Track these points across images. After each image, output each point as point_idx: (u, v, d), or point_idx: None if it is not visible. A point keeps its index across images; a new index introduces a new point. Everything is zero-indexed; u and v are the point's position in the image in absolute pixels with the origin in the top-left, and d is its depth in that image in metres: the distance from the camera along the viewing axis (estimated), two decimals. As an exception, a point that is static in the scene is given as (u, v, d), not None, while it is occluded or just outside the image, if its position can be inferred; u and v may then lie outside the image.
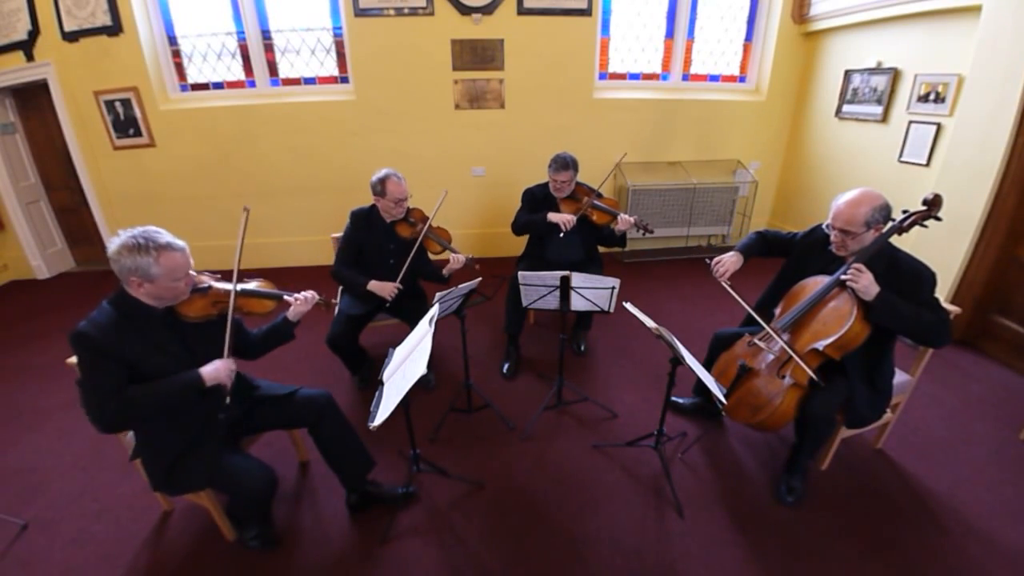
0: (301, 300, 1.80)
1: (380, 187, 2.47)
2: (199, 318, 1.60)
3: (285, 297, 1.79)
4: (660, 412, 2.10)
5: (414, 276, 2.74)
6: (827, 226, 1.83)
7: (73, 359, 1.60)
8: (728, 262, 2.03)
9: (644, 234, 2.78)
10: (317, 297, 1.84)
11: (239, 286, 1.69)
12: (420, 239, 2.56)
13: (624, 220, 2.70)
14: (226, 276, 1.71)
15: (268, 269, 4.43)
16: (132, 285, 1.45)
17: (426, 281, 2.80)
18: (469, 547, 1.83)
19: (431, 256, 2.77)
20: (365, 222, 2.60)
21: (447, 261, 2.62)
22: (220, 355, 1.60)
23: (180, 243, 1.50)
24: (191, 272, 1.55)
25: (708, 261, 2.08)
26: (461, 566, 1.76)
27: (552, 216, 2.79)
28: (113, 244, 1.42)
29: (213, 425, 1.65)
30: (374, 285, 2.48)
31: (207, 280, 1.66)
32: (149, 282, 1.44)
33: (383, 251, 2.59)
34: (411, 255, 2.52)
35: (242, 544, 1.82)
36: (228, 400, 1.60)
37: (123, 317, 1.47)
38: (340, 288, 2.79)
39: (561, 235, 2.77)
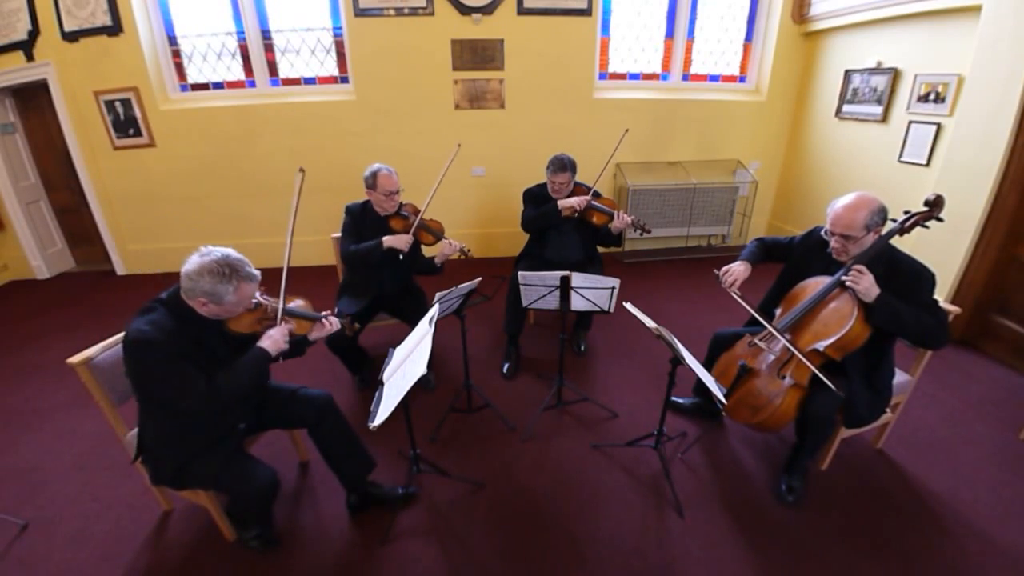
0: (327, 325, 1.82)
1: (372, 180, 2.50)
2: (245, 332, 1.64)
3: (322, 319, 1.81)
4: (660, 412, 2.10)
5: (410, 272, 2.74)
6: (826, 232, 1.83)
7: (77, 358, 1.62)
8: (736, 271, 2.01)
9: (642, 234, 2.77)
10: (339, 323, 1.87)
11: (287, 305, 1.73)
12: (413, 230, 2.57)
13: (621, 219, 2.69)
14: (270, 287, 1.74)
15: (269, 269, 4.39)
16: (196, 303, 1.49)
17: (421, 275, 2.79)
18: (469, 547, 1.83)
19: (425, 248, 2.76)
20: (360, 216, 2.61)
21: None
22: None
23: (256, 273, 1.56)
24: (254, 302, 1.61)
25: (717, 272, 2.04)
26: (461, 566, 1.76)
27: (562, 202, 2.78)
28: (193, 263, 1.45)
29: (233, 429, 1.68)
30: (389, 240, 2.48)
31: (256, 296, 1.68)
32: (216, 305, 1.49)
33: None
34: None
35: (242, 544, 1.82)
36: (280, 359, 1.66)
37: (180, 322, 1.50)
38: (337, 293, 2.79)
39: (575, 215, 2.76)
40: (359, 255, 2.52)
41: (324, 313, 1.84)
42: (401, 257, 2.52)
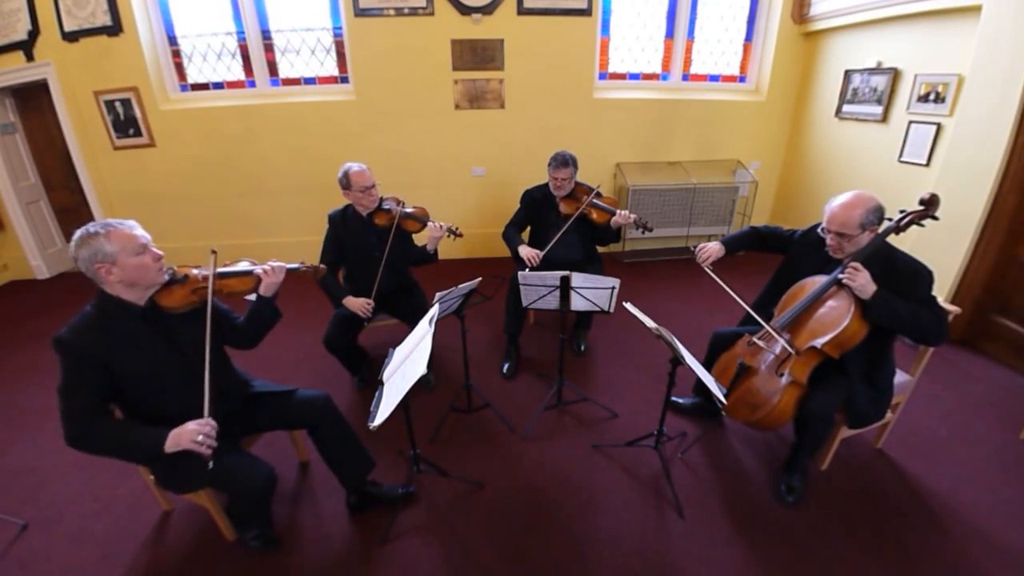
0: (268, 271, 1.73)
1: (345, 180, 2.50)
2: (182, 307, 1.58)
3: (255, 271, 1.73)
4: (660, 412, 2.10)
5: (405, 264, 2.73)
6: (822, 229, 1.84)
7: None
8: (711, 249, 2.15)
9: (644, 232, 2.78)
10: (286, 267, 1.78)
11: (220, 268, 1.67)
12: (397, 220, 2.56)
13: (623, 215, 2.70)
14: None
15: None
16: (102, 275, 1.44)
17: (417, 266, 2.78)
18: (469, 547, 1.83)
19: (415, 238, 2.76)
20: (341, 221, 2.61)
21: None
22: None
23: (128, 221, 1.49)
24: (158, 251, 1.51)
25: (692, 248, 2.19)
26: (461, 566, 1.76)
27: (521, 251, 2.83)
28: (71, 245, 1.43)
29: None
30: (348, 301, 2.50)
31: (188, 269, 1.64)
32: (113, 264, 1.43)
33: (366, 245, 2.60)
34: (390, 238, 2.54)
35: (242, 544, 1.82)
36: (211, 465, 1.48)
37: (102, 317, 1.47)
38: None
39: (527, 270, 2.74)
40: (326, 290, 2.56)
41: (267, 263, 1.74)
42: (365, 323, 2.55)
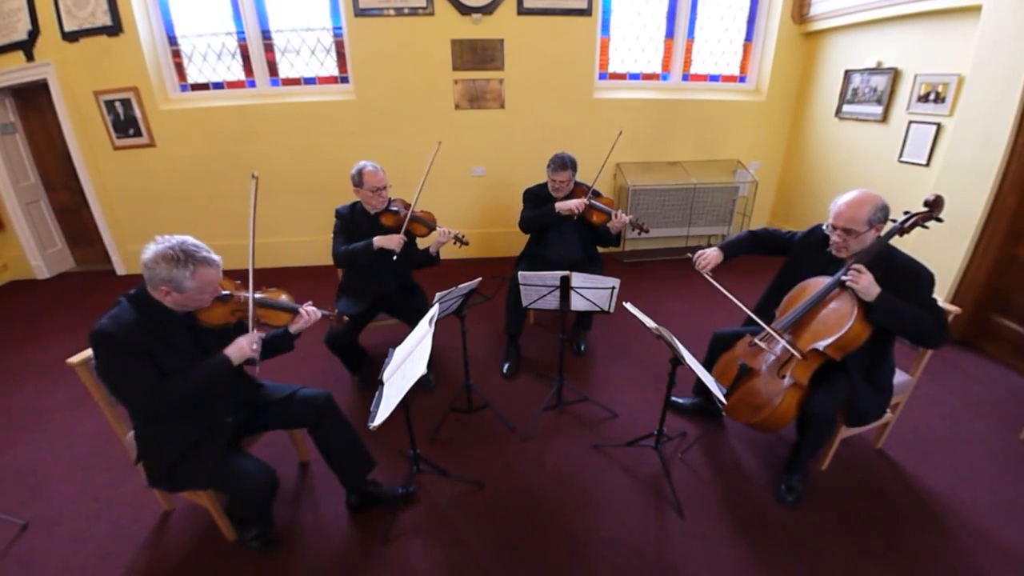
0: (306, 316, 1.78)
1: (358, 178, 2.50)
2: (219, 324, 1.62)
3: (299, 310, 1.78)
4: (660, 412, 2.10)
5: (408, 268, 2.74)
6: (828, 227, 1.83)
7: (77, 358, 1.62)
8: (709, 255, 2.12)
9: (640, 233, 2.77)
10: (320, 313, 1.83)
11: (259, 295, 1.71)
12: (406, 224, 2.57)
13: (619, 218, 2.70)
14: (244, 278, 1.72)
15: (268, 269, 4.43)
16: (159, 292, 1.47)
17: (420, 268, 2.79)
18: (469, 547, 1.83)
19: (420, 240, 2.76)
20: (349, 217, 2.61)
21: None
22: None
23: (216, 258, 1.52)
24: (219, 289, 1.58)
25: (690, 255, 2.15)
26: (461, 566, 1.76)
27: (560, 206, 2.79)
28: (149, 252, 1.43)
29: (220, 425, 1.66)
30: (380, 240, 2.48)
31: (230, 286, 1.67)
32: (178, 292, 1.47)
33: None
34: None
35: (242, 544, 1.82)
36: (258, 368, 1.63)
37: (144, 316, 1.49)
38: (336, 294, 2.78)
39: (574, 218, 2.77)
40: (349, 256, 2.51)
41: (303, 304, 1.80)
42: (395, 258, 2.51)
